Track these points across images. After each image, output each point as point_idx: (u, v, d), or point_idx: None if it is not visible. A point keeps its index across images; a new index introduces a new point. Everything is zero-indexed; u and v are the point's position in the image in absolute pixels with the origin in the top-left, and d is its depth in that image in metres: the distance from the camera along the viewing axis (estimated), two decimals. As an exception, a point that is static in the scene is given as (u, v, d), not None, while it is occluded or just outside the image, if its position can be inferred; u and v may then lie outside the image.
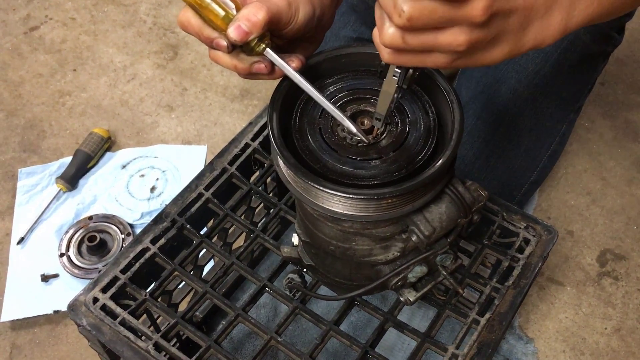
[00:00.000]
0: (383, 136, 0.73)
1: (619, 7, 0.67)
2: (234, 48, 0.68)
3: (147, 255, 0.92)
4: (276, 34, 0.71)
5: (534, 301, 1.33)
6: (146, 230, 0.95)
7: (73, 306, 0.88)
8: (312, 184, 0.68)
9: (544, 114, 1.19)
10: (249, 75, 0.72)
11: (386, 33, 0.57)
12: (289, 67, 0.70)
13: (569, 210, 1.47)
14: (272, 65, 0.70)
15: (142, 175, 1.54)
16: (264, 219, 1.18)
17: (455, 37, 0.56)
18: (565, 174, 1.53)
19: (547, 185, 1.50)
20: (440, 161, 0.68)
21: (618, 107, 1.66)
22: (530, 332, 1.30)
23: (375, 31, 0.59)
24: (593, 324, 1.31)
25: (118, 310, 0.88)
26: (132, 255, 0.92)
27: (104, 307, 0.88)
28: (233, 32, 0.66)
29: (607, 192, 1.50)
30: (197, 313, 1.12)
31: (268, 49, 0.68)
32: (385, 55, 0.60)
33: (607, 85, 1.69)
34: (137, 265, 0.92)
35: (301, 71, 0.71)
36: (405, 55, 0.59)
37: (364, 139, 0.72)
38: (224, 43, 0.67)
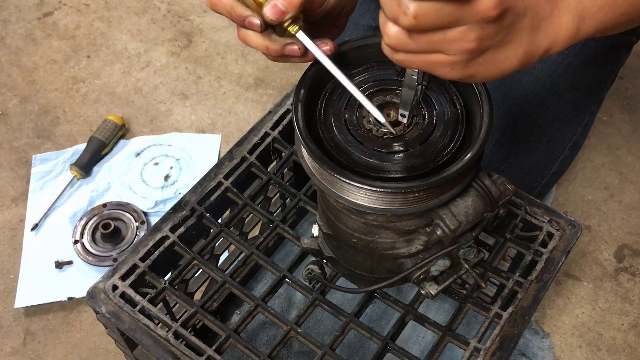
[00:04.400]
0: (410, 128, 0.72)
1: (632, 18, 0.66)
2: (267, 28, 0.67)
3: (167, 243, 0.92)
4: (306, 14, 0.69)
5: (550, 296, 1.33)
6: (165, 218, 0.94)
7: (92, 293, 0.88)
8: (338, 176, 0.67)
9: (566, 104, 1.17)
10: (280, 57, 0.70)
11: (390, 33, 0.55)
12: (321, 51, 0.68)
13: (587, 205, 1.46)
14: (306, 47, 0.69)
15: (156, 164, 1.54)
16: (280, 208, 1.17)
17: (465, 34, 0.54)
18: (583, 168, 1.52)
19: (565, 179, 1.49)
20: (468, 155, 0.67)
21: (637, 101, 1.64)
22: (546, 326, 1.29)
23: (383, 43, 0.58)
24: (610, 319, 1.30)
25: (137, 298, 0.87)
26: (151, 243, 0.92)
27: (123, 295, 0.87)
28: (269, 11, 0.64)
29: (625, 187, 1.49)
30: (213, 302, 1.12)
31: (301, 32, 0.67)
32: (392, 56, 0.58)
33: (626, 79, 1.67)
34: (157, 253, 0.91)
35: (332, 56, 0.69)
36: (412, 56, 0.57)
37: (391, 130, 0.71)
38: (257, 22, 0.66)
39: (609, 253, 1.39)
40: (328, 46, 0.70)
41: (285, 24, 0.66)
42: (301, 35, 0.67)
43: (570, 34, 0.61)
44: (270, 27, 0.68)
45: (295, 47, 0.69)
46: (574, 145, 1.26)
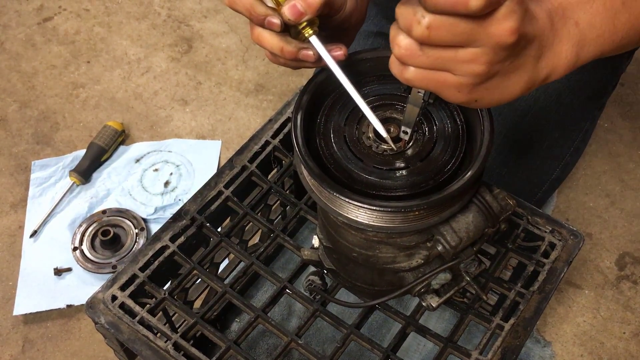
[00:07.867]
0: (410, 144, 0.71)
1: (632, 41, 0.66)
2: (285, 28, 0.67)
3: (166, 253, 0.91)
4: (322, 21, 0.69)
5: (551, 304, 1.32)
6: (165, 227, 0.94)
7: (91, 304, 0.88)
8: (337, 195, 0.66)
9: (567, 110, 1.17)
10: (294, 60, 0.69)
11: (401, 43, 0.54)
12: (332, 58, 0.67)
13: (588, 212, 1.45)
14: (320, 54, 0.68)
15: (156, 170, 1.53)
16: (280, 217, 1.17)
17: (477, 56, 0.53)
18: (584, 175, 1.52)
19: (566, 186, 1.49)
20: (469, 173, 0.66)
21: (638, 108, 1.63)
22: (547, 335, 1.29)
23: (392, 57, 0.57)
24: (611, 328, 1.30)
25: (137, 308, 0.87)
26: (150, 253, 0.91)
27: (122, 306, 0.87)
28: (288, 11, 0.64)
29: (626, 194, 1.48)
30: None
31: (314, 36, 0.66)
32: (400, 72, 0.57)
33: (627, 86, 1.66)
34: (156, 263, 0.90)
35: (342, 64, 0.68)
36: (421, 72, 0.56)
37: (392, 145, 0.70)
38: (276, 21, 0.65)
39: (610, 261, 1.39)
40: (342, 51, 0.69)
41: (301, 26, 0.66)
42: (314, 40, 0.67)
43: (569, 62, 0.61)
44: (285, 30, 0.67)
45: (311, 52, 0.68)
46: (574, 151, 1.26)
